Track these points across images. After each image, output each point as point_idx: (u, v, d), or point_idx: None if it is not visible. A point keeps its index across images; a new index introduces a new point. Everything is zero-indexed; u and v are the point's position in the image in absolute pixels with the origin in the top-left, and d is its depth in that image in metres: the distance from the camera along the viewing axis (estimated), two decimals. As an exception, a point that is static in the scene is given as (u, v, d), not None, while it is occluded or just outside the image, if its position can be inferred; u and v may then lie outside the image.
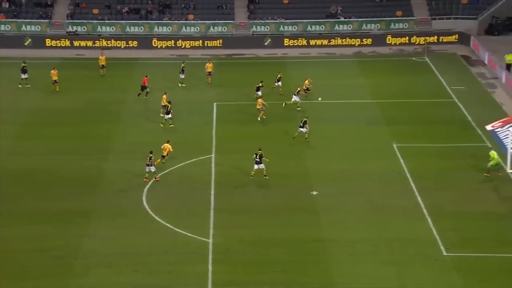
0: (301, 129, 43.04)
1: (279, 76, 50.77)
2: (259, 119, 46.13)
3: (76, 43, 60.68)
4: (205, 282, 31.08)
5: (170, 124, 45.37)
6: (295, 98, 47.72)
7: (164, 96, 46.55)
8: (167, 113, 45.18)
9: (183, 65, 52.37)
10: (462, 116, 47.54)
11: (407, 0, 64.87)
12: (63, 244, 33.54)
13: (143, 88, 49.47)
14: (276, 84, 50.69)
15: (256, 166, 38.94)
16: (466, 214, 36.07)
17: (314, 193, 38.23)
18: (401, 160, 41.54)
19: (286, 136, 44.16)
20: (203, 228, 34.85)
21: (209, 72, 52.25)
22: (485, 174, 38.65)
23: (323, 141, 43.68)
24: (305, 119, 43.09)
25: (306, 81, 49.50)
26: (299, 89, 48.26)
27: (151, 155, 38.77)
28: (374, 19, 62.55)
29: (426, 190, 38.18)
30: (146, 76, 50.20)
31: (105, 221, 35.43)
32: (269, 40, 61.32)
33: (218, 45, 61.15)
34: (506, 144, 40.91)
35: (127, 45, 60.79)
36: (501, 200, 37.32)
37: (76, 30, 61.66)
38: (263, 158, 38.83)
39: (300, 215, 36.11)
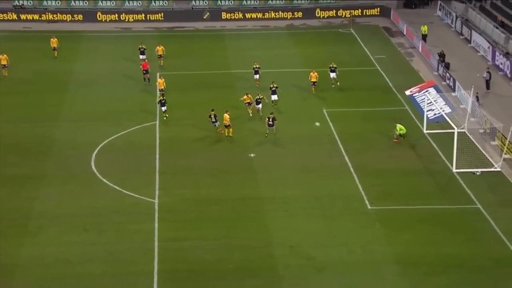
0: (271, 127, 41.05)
1: (255, 66, 46.21)
2: (251, 114, 42.62)
3: (23, 17, 59.21)
4: (151, 238, 31.10)
5: (165, 117, 41.44)
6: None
7: (160, 80, 43.73)
8: (162, 104, 41.17)
9: (143, 46, 49.52)
10: (384, 83, 48.29)
11: (334, -24, 64.88)
12: (16, 207, 33.06)
13: (145, 72, 46.48)
14: (255, 77, 45.93)
15: (269, 128, 39.03)
16: (387, 171, 36.83)
17: (252, 155, 38.44)
18: (330, 124, 42.08)
19: (228, 102, 43.72)
20: (149, 189, 34.73)
21: (160, 55, 49.50)
22: (394, 140, 39.27)
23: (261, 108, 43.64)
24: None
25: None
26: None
27: (213, 112, 39.18)
28: (304, -7, 62.60)
29: (352, 151, 38.83)
30: (146, 61, 46.98)
31: (55, 185, 34.96)
32: (208, 13, 60.83)
33: (160, 18, 60.35)
34: (422, 107, 41.88)
35: (73, 19, 59.48)
36: (418, 157, 38.22)
37: (23, 4, 59.93)
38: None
39: (239, 176, 36.28)
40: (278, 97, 43.35)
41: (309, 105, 44.51)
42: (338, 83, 46.38)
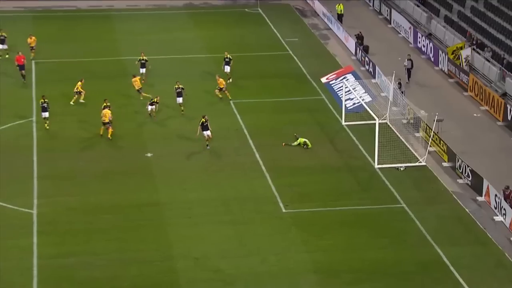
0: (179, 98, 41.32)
1: (227, 56, 45.49)
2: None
3: None
4: (29, 256, 30.13)
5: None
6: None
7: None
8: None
9: (2, 34, 47.93)
10: (297, 69, 48.80)
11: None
12: None
13: (21, 68, 44.62)
14: (224, 69, 45.42)
15: (205, 133, 37.97)
16: (303, 169, 37.20)
17: (149, 154, 38.05)
18: (238, 117, 42.18)
19: (117, 96, 43.34)
20: (26, 198, 33.73)
21: (32, 47, 47.67)
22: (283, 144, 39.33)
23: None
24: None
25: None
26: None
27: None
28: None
29: (263, 147, 39.03)
30: (20, 54, 44.57)
31: None
32: (92, -10, 59.53)
33: (33, -4, 58.47)
34: (340, 96, 42.55)
35: None
36: (337, 153, 38.83)
37: None
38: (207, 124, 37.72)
39: (133, 179, 35.85)
40: (183, 99, 42.00)
41: (214, 96, 44.41)
42: (231, 80, 45.29)
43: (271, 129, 40.96)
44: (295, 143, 38.84)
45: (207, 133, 38.21)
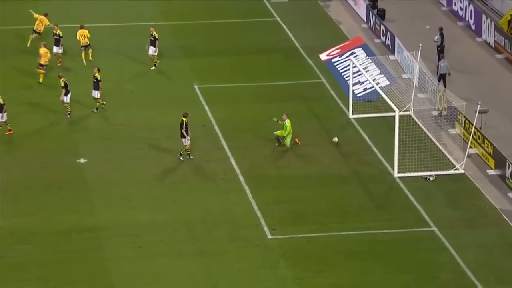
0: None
1: (152, 34, 45.47)
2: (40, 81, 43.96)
3: None
4: None
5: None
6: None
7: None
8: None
9: None
10: (288, 42, 48.91)
11: None
12: None
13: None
14: (149, 50, 45.65)
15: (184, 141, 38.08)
16: (295, 179, 37.17)
17: (82, 160, 38.32)
18: (206, 108, 42.39)
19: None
20: None
21: None
22: (276, 144, 39.49)
23: (86, 83, 42.69)
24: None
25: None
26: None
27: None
28: None
29: (241, 149, 39.07)
30: None
31: None
32: None
33: None
34: (346, 78, 42.47)
35: None
36: (342, 157, 38.79)
37: None
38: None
39: (60, 194, 35.93)
40: (101, 94, 41.82)
41: (172, 78, 44.52)
42: (155, 66, 45.22)
43: (251, 124, 40.93)
44: (285, 135, 38.60)
45: (186, 140, 37.88)
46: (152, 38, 45.16)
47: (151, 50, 45.22)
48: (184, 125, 37.67)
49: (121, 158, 38.35)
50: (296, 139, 39.07)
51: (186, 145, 37.94)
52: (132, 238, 33.30)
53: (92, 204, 35.27)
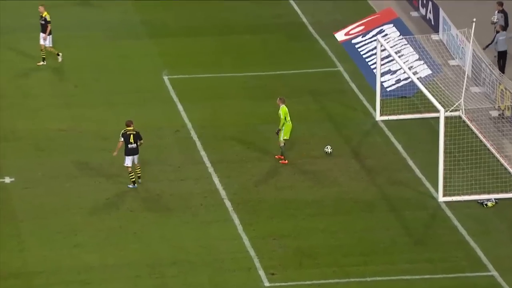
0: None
1: (42, 16, 46.36)
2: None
3: None
4: None
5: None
6: None
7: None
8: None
9: None
10: (292, 16, 49.63)
11: None
12: None
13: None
14: (40, 39, 46.53)
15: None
16: (303, 204, 37.35)
17: (7, 180, 38.54)
18: (180, 107, 42.96)
19: None
20: None
21: None
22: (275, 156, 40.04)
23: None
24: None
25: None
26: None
27: None
28: None
29: (227, 163, 39.52)
30: None
31: None
32: None
33: None
34: (372, 66, 42.58)
35: None
36: (368, 174, 39.08)
37: None
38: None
39: None
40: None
41: (133, 66, 45.13)
42: (60, 58, 45.95)
43: (241, 131, 41.42)
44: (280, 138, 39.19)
45: (134, 158, 38.06)
46: (43, 22, 45.43)
47: (43, 39, 45.48)
48: (131, 138, 37.41)
49: (62, 177, 38.65)
50: (276, 156, 39.08)
51: (130, 167, 37.82)
52: (78, 287, 33.40)
53: (21, 240, 35.39)
